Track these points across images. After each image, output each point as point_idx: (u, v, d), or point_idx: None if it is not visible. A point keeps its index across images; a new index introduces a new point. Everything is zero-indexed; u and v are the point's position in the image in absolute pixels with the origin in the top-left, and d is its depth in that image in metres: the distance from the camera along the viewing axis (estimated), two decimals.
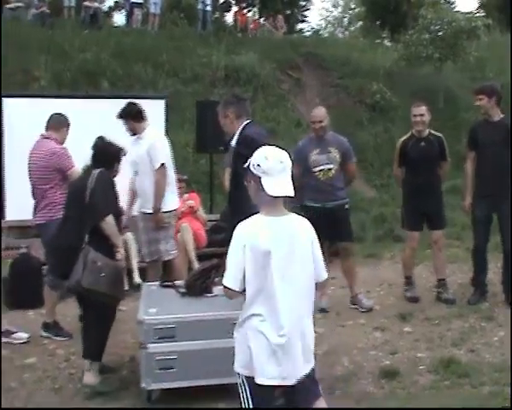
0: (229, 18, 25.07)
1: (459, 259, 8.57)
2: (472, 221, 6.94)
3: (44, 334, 6.03)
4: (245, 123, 4.68)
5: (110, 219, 4.83)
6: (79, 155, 5.15)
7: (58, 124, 6.16)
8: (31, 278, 6.78)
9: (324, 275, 3.27)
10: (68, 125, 6.22)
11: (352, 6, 39.30)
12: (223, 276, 3.09)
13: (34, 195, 6.08)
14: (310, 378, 3.19)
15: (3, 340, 5.84)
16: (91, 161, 5.05)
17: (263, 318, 3.03)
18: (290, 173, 3.11)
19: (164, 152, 6.38)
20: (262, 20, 21.98)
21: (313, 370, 3.22)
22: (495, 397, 4.48)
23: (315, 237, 3.24)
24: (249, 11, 19.48)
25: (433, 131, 6.98)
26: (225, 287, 3.06)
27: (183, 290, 5.04)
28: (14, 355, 5.57)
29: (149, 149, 6.27)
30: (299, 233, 3.16)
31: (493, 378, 4.83)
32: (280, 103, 14.87)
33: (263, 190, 3.02)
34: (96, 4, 17.29)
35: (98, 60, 13.96)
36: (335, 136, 6.81)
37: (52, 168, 5.92)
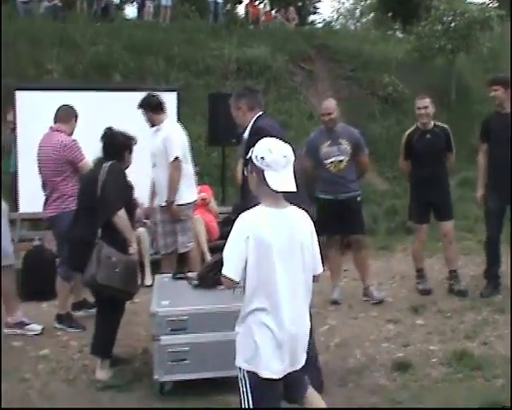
0: (240, 10, 25.05)
1: (472, 251, 8.54)
2: (484, 213, 6.92)
3: (58, 326, 6.08)
4: (257, 115, 4.67)
5: (122, 213, 4.80)
6: (92, 148, 5.14)
7: (66, 116, 6.17)
8: (44, 270, 6.82)
9: (320, 268, 3.27)
10: (76, 116, 6.23)
11: None
12: None
13: (45, 187, 6.10)
14: (301, 369, 3.21)
15: (18, 331, 5.90)
16: (102, 152, 5.03)
17: (267, 311, 3.03)
18: (293, 168, 3.09)
19: (179, 145, 6.38)
20: (274, 12, 21.91)
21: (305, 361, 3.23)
22: (508, 390, 4.46)
23: (313, 229, 3.23)
24: (261, 3, 19.40)
25: (438, 123, 6.95)
26: (225, 277, 3.04)
27: (195, 282, 5.05)
28: (29, 347, 5.61)
29: (165, 142, 6.29)
30: (300, 226, 3.17)
31: (506, 371, 4.80)
32: (292, 96, 14.84)
33: (266, 183, 3.02)
34: None
35: (110, 52, 13.98)
36: (346, 127, 6.80)
37: (63, 161, 5.94)
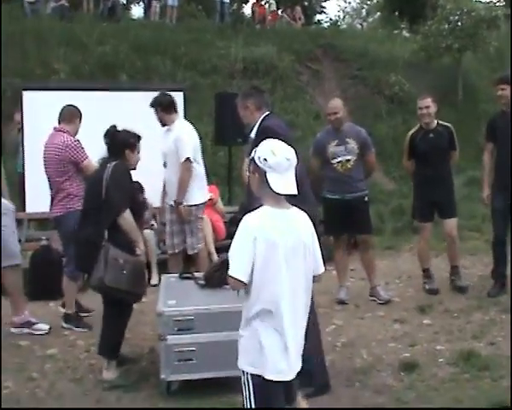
0: (247, 10, 25.06)
1: (479, 251, 8.52)
2: (491, 213, 6.90)
3: (65, 325, 6.09)
4: (265, 114, 4.67)
5: (127, 214, 4.78)
6: (98, 148, 5.13)
7: (70, 116, 6.18)
8: (51, 270, 6.84)
9: (322, 268, 3.25)
10: (80, 116, 6.24)
11: None
12: None
13: (51, 187, 6.13)
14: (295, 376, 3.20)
15: (25, 331, 5.92)
16: (106, 152, 5.00)
17: (273, 313, 3.01)
18: (295, 171, 3.08)
19: (190, 146, 6.38)
20: (280, 11, 21.88)
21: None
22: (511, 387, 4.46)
23: (314, 230, 3.21)
24: (267, 2, 19.37)
25: (441, 122, 6.96)
26: (233, 278, 3.00)
27: (202, 282, 5.06)
28: (36, 346, 5.64)
29: (176, 142, 6.30)
30: (302, 226, 3.15)
31: (510, 370, 4.79)
32: (298, 95, 14.83)
33: (268, 185, 3.01)
34: None
35: (116, 52, 14.00)
36: (353, 127, 6.80)
37: (66, 161, 5.96)
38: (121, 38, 14.65)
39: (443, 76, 15.58)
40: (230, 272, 3.02)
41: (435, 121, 6.91)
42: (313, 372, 4.35)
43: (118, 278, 4.65)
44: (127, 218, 4.78)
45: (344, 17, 38.83)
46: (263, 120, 4.63)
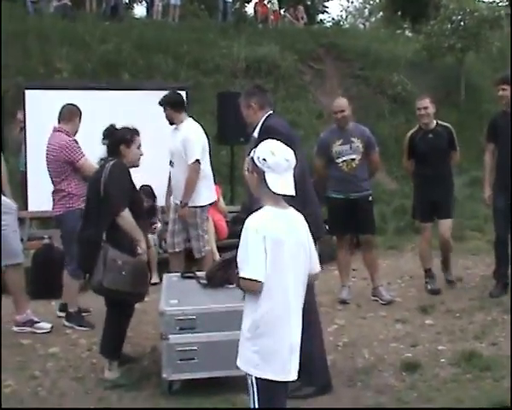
0: (249, 9, 25.02)
1: (481, 251, 8.53)
2: (493, 213, 6.90)
3: (67, 324, 6.10)
4: (268, 114, 4.66)
5: (126, 213, 4.72)
6: (101, 147, 5.12)
7: (69, 115, 6.18)
8: (53, 269, 6.84)
9: (318, 267, 3.26)
10: (80, 115, 6.25)
11: None
12: None
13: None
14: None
15: (27, 329, 5.93)
16: (106, 152, 4.97)
17: (281, 313, 3.01)
18: (293, 173, 3.08)
19: (199, 146, 6.37)
20: (282, 11, 21.87)
21: None
22: (511, 387, 4.45)
23: (309, 230, 3.21)
24: (269, 2, 19.36)
25: (440, 122, 6.98)
26: (250, 279, 2.96)
27: (204, 281, 5.06)
28: (38, 345, 5.64)
29: (184, 142, 6.29)
30: (301, 225, 3.17)
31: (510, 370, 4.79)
32: (301, 95, 14.83)
33: (266, 185, 3.02)
34: None
35: (119, 51, 14.00)
36: (357, 126, 6.80)
37: (62, 161, 5.98)
38: (124, 37, 14.65)
39: (445, 76, 15.58)
40: (246, 274, 2.97)
41: (434, 122, 6.93)
42: (315, 372, 4.35)
43: (116, 280, 4.61)
44: (126, 217, 4.73)
45: (346, 17, 38.78)
46: (266, 119, 4.62)
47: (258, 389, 3.02)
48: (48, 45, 13.54)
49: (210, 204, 6.74)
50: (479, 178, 10.35)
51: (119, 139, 4.92)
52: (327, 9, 34.08)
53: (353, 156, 6.58)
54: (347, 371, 4.93)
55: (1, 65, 11.17)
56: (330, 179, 6.70)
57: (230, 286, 4.89)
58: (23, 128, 8.20)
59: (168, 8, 18.01)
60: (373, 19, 38.15)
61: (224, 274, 4.90)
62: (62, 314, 6.25)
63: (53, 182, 6.09)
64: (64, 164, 5.97)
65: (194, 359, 4.48)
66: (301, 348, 3.12)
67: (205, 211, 6.59)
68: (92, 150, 5.88)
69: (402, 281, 7.57)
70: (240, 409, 3.70)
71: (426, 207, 6.95)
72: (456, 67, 15.98)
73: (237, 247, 3.06)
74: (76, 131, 6.21)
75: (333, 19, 33.75)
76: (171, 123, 6.49)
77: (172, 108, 6.41)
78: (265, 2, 19.34)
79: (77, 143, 6.06)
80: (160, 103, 6.45)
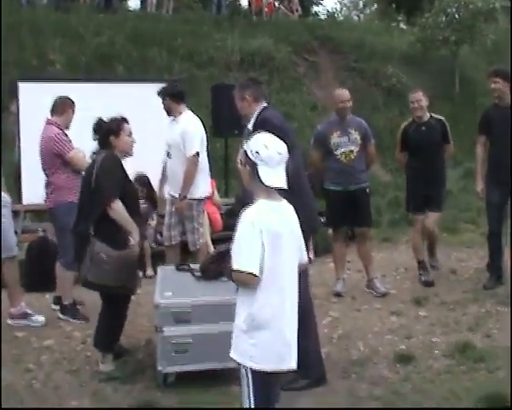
0: (243, 1, 24.94)
1: (475, 243, 8.55)
2: (486, 206, 6.91)
3: (62, 316, 6.09)
4: (262, 106, 4.65)
5: (117, 205, 4.66)
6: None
7: (61, 107, 6.16)
8: (47, 261, 6.82)
9: (306, 258, 3.32)
10: (72, 107, 6.22)
11: None
12: None
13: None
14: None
15: (22, 322, 5.92)
16: (97, 145, 4.93)
17: (277, 306, 3.03)
18: (285, 166, 3.10)
19: (198, 139, 6.36)
20: (277, 3, 21.80)
21: None
22: (510, 382, 4.46)
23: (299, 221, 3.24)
24: None
25: (434, 115, 7.00)
26: (244, 272, 2.97)
27: (198, 274, 5.05)
28: (32, 337, 5.63)
29: (183, 135, 6.26)
30: (293, 217, 3.20)
31: (509, 363, 4.81)
32: (295, 87, 14.81)
33: (258, 178, 3.03)
34: None
35: (113, 44, 13.94)
36: (354, 118, 6.81)
37: (51, 154, 5.98)
38: (118, 30, 14.59)
39: (440, 69, 15.57)
40: (240, 267, 2.98)
41: (428, 114, 6.94)
42: (309, 364, 4.36)
43: (99, 274, 4.59)
44: (117, 209, 4.66)
45: (341, 9, 38.68)
46: (260, 111, 4.61)
47: (253, 380, 3.04)
48: (41, 37, 13.47)
49: (206, 197, 6.73)
50: (473, 171, 10.37)
51: (108, 131, 4.86)
52: (321, 2, 33.99)
53: (352, 148, 6.58)
54: (342, 364, 4.95)
55: (1, 62, 11.12)
56: (328, 171, 6.69)
57: (225, 279, 4.90)
58: (17, 120, 8.16)
59: (162, 0, 17.94)
60: (367, 11, 38.08)
61: (218, 267, 4.88)
62: (56, 307, 6.24)
63: (45, 174, 6.09)
64: (54, 157, 5.97)
65: (188, 351, 4.48)
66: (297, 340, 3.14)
67: (201, 204, 6.59)
68: (86, 143, 5.88)
69: (396, 273, 7.59)
70: (236, 409, 3.68)
71: (418, 200, 6.97)
72: (451, 60, 15.98)
73: (232, 239, 3.06)
74: (68, 124, 6.19)
75: (327, 11, 33.63)
76: (169, 114, 6.46)
77: (172, 98, 6.38)
78: None
79: (66, 136, 6.04)
80: (160, 94, 6.41)
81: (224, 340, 4.23)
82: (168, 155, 6.48)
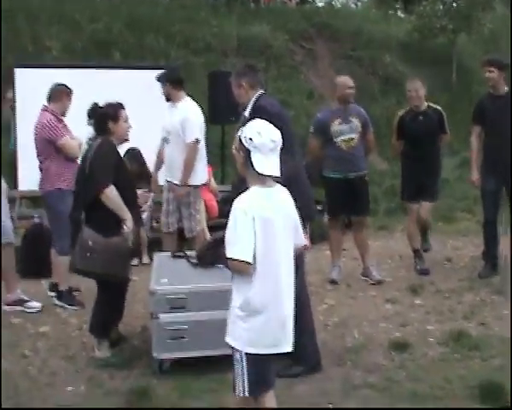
0: None
1: (471, 232, 8.57)
2: (481, 195, 6.93)
3: (57, 303, 6.10)
4: (259, 93, 4.64)
5: (110, 191, 4.64)
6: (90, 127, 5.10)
7: (57, 94, 6.15)
8: (43, 248, 6.82)
9: (305, 240, 3.35)
10: (69, 94, 6.20)
11: None
12: None
13: None
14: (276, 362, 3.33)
15: (17, 308, 5.92)
16: (93, 131, 4.91)
17: (272, 291, 3.07)
18: (279, 154, 3.11)
19: (198, 126, 6.35)
20: None
21: None
22: (505, 370, 4.48)
23: (293, 204, 3.26)
24: None
25: (431, 104, 6.99)
26: (238, 260, 3.01)
27: (194, 261, 5.06)
28: (28, 324, 5.64)
29: (183, 121, 6.24)
30: (288, 201, 3.23)
31: (503, 351, 4.84)
32: (292, 75, 14.75)
33: (251, 165, 3.04)
34: None
35: (109, 30, 13.87)
36: (355, 105, 6.81)
37: (43, 140, 5.99)
38: (114, 16, 14.50)
39: (437, 57, 15.53)
40: (233, 255, 3.02)
41: (425, 104, 6.93)
42: (305, 351, 4.37)
43: (87, 261, 4.62)
44: (110, 195, 4.65)
45: None
46: (257, 99, 4.60)
47: (247, 364, 3.07)
48: (36, 23, 13.40)
49: (203, 185, 6.73)
50: (469, 160, 10.39)
51: (105, 116, 4.84)
52: None
53: (352, 135, 6.59)
54: (337, 351, 4.97)
55: (1, 55, 11.07)
56: (328, 159, 6.67)
57: (221, 265, 4.91)
58: (13, 107, 8.14)
59: None
60: None
61: (214, 253, 4.90)
62: (52, 294, 6.24)
63: (39, 161, 6.10)
64: (46, 143, 5.98)
65: (184, 338, 4.49)
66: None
67: (198, 191, 6.58)
68: (82, 130, 5.87)
69: (392, 261, 7.61)
70: (230, 409, 3.69)
71: (412, 188, 6.98)
72: (448, 49, 15.94)
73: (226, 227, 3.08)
74: (64, 111, 6.18)
75: None
76: (168, 99, 6.43)
77: (172, 84, 6.34)
78: None
79: (60, 122, 6.03)
80: (159, 79, 6.38)
81: (220, 327, 4.24)
82: (166, 140, 6.46)
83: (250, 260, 3.00)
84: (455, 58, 15.67)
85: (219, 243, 4.95)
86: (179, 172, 6.32)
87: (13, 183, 7.71)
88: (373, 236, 8.30)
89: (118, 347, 4.99)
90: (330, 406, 4.11)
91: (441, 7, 15.63)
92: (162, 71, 6.54)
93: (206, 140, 6.84)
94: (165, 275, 4.75)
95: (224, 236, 3.12)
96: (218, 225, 7.46)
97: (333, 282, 6.72)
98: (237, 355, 3.10)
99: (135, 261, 6.96)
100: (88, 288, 5.72)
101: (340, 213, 6.84)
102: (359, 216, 6.84)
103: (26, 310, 5.93)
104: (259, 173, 3.05)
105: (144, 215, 7.68)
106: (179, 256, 5.32)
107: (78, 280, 6.22)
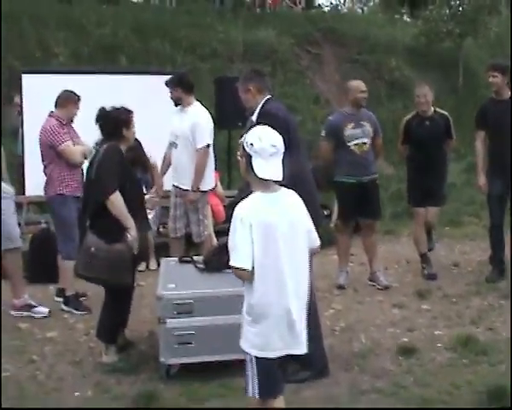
0: None
1: (478, 236, 8.54)
2: (487, 199, 6.91)
3: (65, 308, 6.11)
4: (266, 98, 4.64)
5: (116, 197, 4.62)
6: (98, 132, 5.11)
7: (63, 101, 6.17)
8: (50, 253, 6.83)
9: (318, 241, 3.33)
10: (76, 101, 6.21)
11: None
12: None
13: None
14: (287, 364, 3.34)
15: (25, 314, 5.93)
16: (101, 135, 4.90)
17: (275, 296, 3.08)
18: (281, 158, 3.13)
19: (208, 131, 6.35)
20: None
21: None
22: (511, 379, 4.46)
23: (305, 207, 3.26)
24: None
25: (438, 110, 7.00)
26: (237, 268, 3.07)
27: (201, 266, 5.06)
28: (35, 329, 5.65)
29: (194, 126, 6.24)
30: (295, 206, 3.23)
31: (510, 356, 4.81)
32: (298, 79, 14.77)
33: (252, 169, 3.07)
34: None
35: (116, 35, 13.92)
36: (365, 110, 6.80)
37: (46, 145, 6.03)
38: (121, 21, 14.56)
39: (443, 61, 15.52)
40: (234, 263, 3.07)
41: (432, 109, 6.93)
42: (312, 356, 4.36)
43: (88, 266, 4.64)
44: (115, 201, 4.63)
45: (344, 1, 38.54)
46: (264, 103, 4.60)
47: (257, 368, 3.11)
48: (44, 29, 13.46)
49: (210, 190, 6.73)
50: (475, 164, 10.37)
51: (120, 121, 4.85)
52: None
53: (365, 140, 6.59)
54: (344, 356, 4.96)
55: (1, 56, 11.11)
56: (340, 164, 6.64)
57: (227, 271, 4.90)
58: (20, 112, 8.17)
59: None
60: (371, 3, 37.89)
61: (221, 259, 4.90)
62: (59, 299, 6.25)
63: (43, 166, 6.15)
64: (48, 149, 6.03)
65: (191, 343, 4.49)
66: None
67: (206, 196, 6.59)
68: (89, 135, 5.89)
69: (399, 266, 7.59)
70: (235, 409, 3.68)
71: (419, 193, 6.97)
72: (455, 53, 15.93)
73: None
74: (71, 118, 6.20)
75: (331, 3, 33.45)
76: (177, 104, 6.42)
77: (184, 89, 6.33)
78: None
79: (63, 128, 6.05)
80: (169, 83, 6.37)
81: (227, 332, 4.28)
82: (174, 145, 6.46)
83: (248, 267, 3.04)
84: (461, 62, 15.66)
85: (225, 248, 4.99)
86: (187, 178, 6.33)
87: (20, 188, 7.72)
88: (379, 240, 8.23)
89: (125, 352, 4.99)
90: None
91: (447, 11, 15.64)
92: (170, 76, 6.53)
93: (213, 145, 6.84)
94: (172, 280, 4.75)
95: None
96: (225, 230, 7.47)
97: (340, 287, 6.71)
98: (248, 358, 3.16)
99: (142, 267, 6.98)
100: (95, 293, 5.73)
101: (351, 217, 6.83)
102: (371, 220, 6.83)
103: (34, 315, 5.94)
104: (260, 178, 3.07)
105: (150, 216, 7.69)
106: (186, 261, 5.32)
107: (85, 285, 6.23)
